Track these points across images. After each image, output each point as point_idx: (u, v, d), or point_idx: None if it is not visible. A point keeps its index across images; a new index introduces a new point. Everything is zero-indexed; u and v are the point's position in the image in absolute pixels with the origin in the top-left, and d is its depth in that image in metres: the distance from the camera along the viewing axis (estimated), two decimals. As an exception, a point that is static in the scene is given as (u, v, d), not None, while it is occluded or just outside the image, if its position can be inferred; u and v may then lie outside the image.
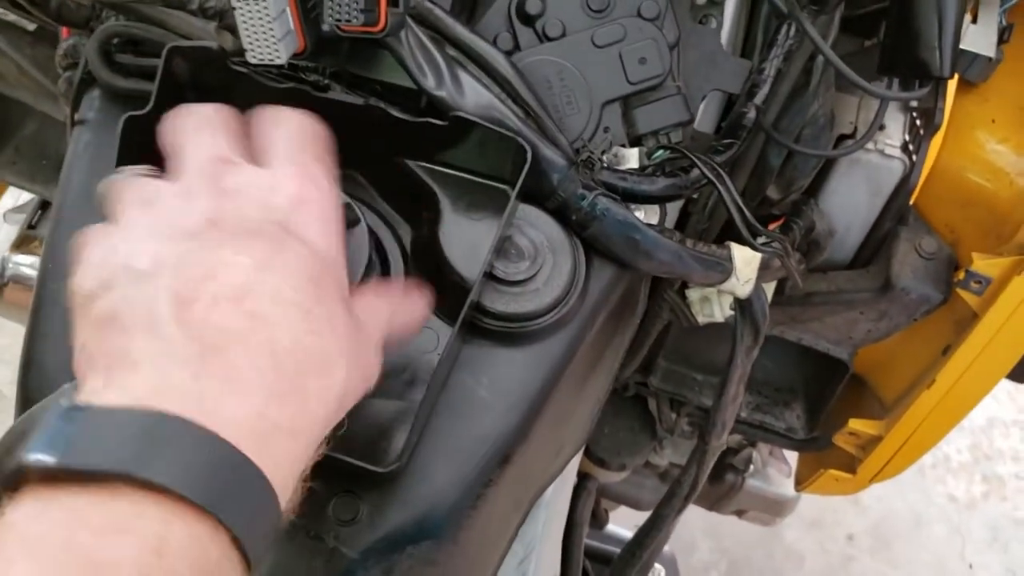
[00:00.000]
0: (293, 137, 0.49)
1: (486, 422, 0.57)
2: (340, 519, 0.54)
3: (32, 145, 1.00)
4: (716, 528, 2.15)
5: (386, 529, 0.54)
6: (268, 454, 0.39)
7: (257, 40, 0.51)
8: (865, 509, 2.23)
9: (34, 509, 0.35)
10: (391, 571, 0.54)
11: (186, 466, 0.36)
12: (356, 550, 0.54)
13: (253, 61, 0.52)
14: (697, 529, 2.14)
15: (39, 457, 0.35)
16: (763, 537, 2.16)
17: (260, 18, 0.50)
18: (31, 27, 0.86)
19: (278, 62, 0.52)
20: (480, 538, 0.59)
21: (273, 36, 0.51)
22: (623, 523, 1.64)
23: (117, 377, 0.39)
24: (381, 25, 0.51)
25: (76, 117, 0.65)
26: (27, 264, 1.17)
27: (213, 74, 0.58)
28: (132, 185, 0.47)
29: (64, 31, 0.69)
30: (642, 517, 0.89)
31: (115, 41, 0.63)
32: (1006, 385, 1.03)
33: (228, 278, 0.41)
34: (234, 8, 0.50)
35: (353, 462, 0.52)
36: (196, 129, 0.49)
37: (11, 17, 0.84)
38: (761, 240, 0.64)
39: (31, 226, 1.11)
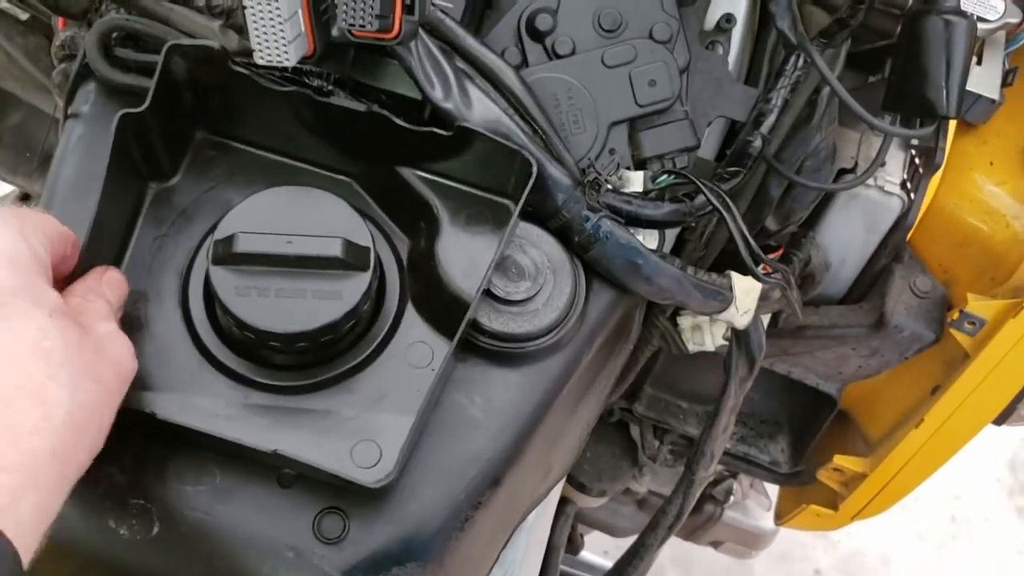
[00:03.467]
0: None
1: (478, 442, 0.56)
2: (325, 537, 0.52)
3: (16, 136, 0.98)
4: (686, 558, 2.13)
5: (372, 549, 0.52)
6: (11, 525, 0.37)
7: (266, 41, 0.50)
8: (834, 544, 2.23)
9: None
10: (375, 592, 0.53)
11: None
12: (340, 570, 0.52)
13: (261, 63, 0.51)
14: (666, 558, 2.13)
15: None
16: (732, 570, 2.15)
17: (271, 19, 0.49)
18: (23, 16, 0.84)
19: (286, 64, 0.51)
20: (465, 561, 0.58)
21: (283, 38, 0.49)
22: (593, 548, 1.62)
23: None
24: (395, 32, 0.50)
25: (70, 110, 0.63)
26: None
27: (212, 74, 0.56)
28: None
29: (60, 22, 0.67)
30: (613, 543, 0.88)
31: (115, 35, 0.61)
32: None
33: None
34: (244, 7, 0.49)
35: (343, 475, 0.50)
36: None
37: (3, 5, 0.82)
38: (763, 271, 0.63)
39: (10, 219, 1.08)
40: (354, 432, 0.54)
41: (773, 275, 0.63)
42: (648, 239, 0.66)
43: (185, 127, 0.60)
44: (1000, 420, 1.00)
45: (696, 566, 2.14)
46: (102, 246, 0.54)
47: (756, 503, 1.23)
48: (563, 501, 1.06)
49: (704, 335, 0.80)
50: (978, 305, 0.77)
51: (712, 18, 0.73)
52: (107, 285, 0.52)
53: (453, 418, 0.56)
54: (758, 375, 0.90)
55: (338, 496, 0.53)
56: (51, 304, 0.44)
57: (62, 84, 0.65)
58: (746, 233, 0.62)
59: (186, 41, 0.55)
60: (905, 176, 0.81)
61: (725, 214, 0.61)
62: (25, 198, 1.11)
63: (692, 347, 0.81)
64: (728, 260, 0.83)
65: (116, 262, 0.56)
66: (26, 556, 0.39)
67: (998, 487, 2.38)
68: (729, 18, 0.73)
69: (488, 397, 0.57)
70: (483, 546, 0.60)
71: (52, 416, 0.41)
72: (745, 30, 0.74)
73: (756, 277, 0.62)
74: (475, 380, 0.58)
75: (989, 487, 2.37)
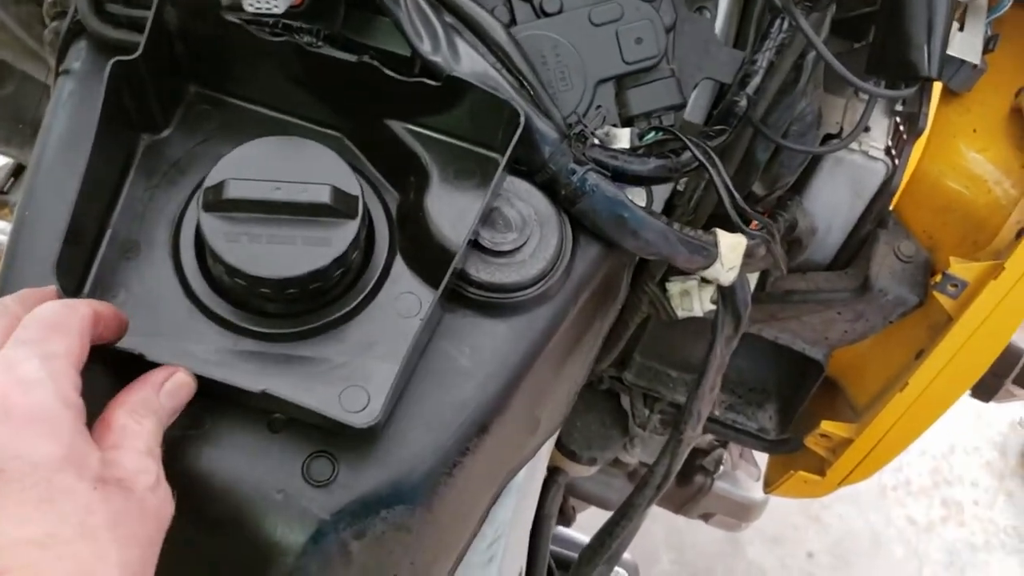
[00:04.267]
0: (18, 329, 0.47)
1: (466, 390, 0.57)
2: (314, 480, 0.53)
3: (9, 106, 0.98)
4: (679, 540, 2.15)
5: (361, 491, 0.53)
6: None
7: (256, -12, 0.50)
8: (826, 527, 2.24)
9: None
10: (363, 534, 0.53)
11: None
12: (329, 512, 0.53)
13: (250, 10, 0.52)
14: (659, 541, 2.14)
15: None
16: (725, 552, 2.17)
17: (261, -36, 0.49)
18: (17, -18, 0.85)
19: (276, 11, 0.51)
20: (454, 508, 0.58)
21: (273, -16, 0.50)
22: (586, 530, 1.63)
23: None
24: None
25: (61, 67, 0.64)
26: (-2, 230, 1.15)
27: (204, 25, 0.57)
28: None
29: (52, -21, 0.68)
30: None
31: (107, -10, 0.62)
32: (969, 411, 1.04)
33: None
34: (234, -47, 0.49)
35: (330, 415, 0.51)
36: None
37: (-4, -28, 0.83)
38: (749, 226, 0.64)
39: (2, 191, 1.09)
40: (343, 378, 0.54)
41: (759, 230, 0.64)
42: (636, 197, 0.67)
43: (178, 80, 0.60)
44: (987, 396, 1.01)
45: (690, 549, 2.15)
46: (95, 195, 0.55)
47: (746, 473, 1.24)
48: (554, 470, 1.07)
49: (693, 300, 0.81)
50: (960, 267, 0.79)
51: (700, -19, 0.74)
52: (167, 396, 0.50)
53: (441, 367, 0.57)
54: (745, 344, 0.92)
55: (327, 440, 0.54)
56: (93, 472, 0.44)
57: (53, 42, 0.65)
58: (731, 187, 0.62)
59: (177, -8, 0.56)
60: (890, 142, 0.82)
61: (710, 168, 0.62)
62: (19, 171, 1.12)
63: (681, 313, 0.82)
64: (717, 225, 0.84)
65: (108, 211, 0.57)
66: None
67: (988, 471, 2.40)
68: (716, -18, 0.73)
69: (476, 347, 0.58)
70: (471, 495, 0.61)
71: None
72: (733, -7, 0.74)
73: (741, 231, 0.63)
74: (463, 330, 0.58)
75: (979, 471, 2.39)
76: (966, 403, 0.96)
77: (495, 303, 0.59)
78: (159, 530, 0.47)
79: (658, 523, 2.07)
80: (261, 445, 0.54)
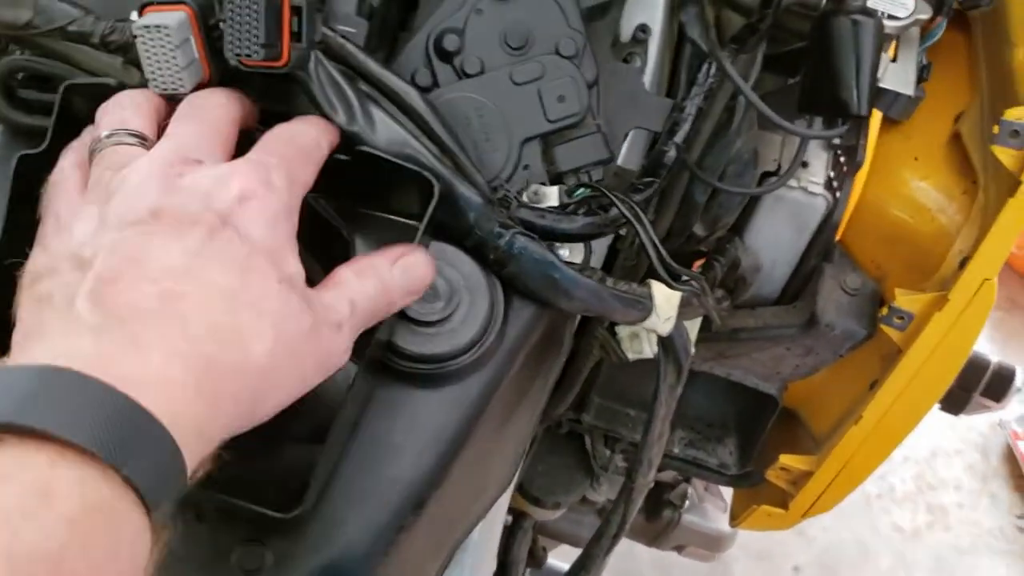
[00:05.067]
0: (271, 141, 0.51)
1: (399, 466, 0.56)
2: (244, 569, 0.52)
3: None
4: (664, 562, 2.14)
5: (293, 579, 0.52)
6: (166, 407, 0.39)
7: (160, 69, 0.50)
8: (811, 540, 2.24)
9: None
10: (298, 624, 0.52)
11: (72, 412, 0.37)
12: (261, 602, 0.52)
13: (156, 91, 0.51)
14: (645, 563, 2.13)
15: None
16: (711, 570, 2.16)
17: (162, 46, 0.49)
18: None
19: (182, 92, 0.51)
20: (395, 587, 0.57)
21: (176, 64, 0.49)
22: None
23: (27, 347, 0.42)
24: (284, 60, 0.50)
25: (-23, 153, 0.63)
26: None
27: None
28: (107, 156, 0.49)
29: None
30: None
31: (19, 76, 0.61)
32: (948, 416, 1.04)
33: (153, 262, 0.43)
34: (136, 37, 0.49)
35: (254, 508, 0.50)
36: (185, 118, 0.50)
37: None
38: (680, 278, 0.64)
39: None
40: (268, 461, 0.53)
41: (689, 283, 0.64)
42: (574, 253, 0.67)
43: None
44: (957, 410, 1.01)
45: (676, 568, 2.14)
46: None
47: (713, 506, 1.23)
48: (520, 515, 1.06)
49: (642, 343, 0.80)
50: (905, 300, 0.78)
51: (628, 29, 0.73)
52: (400, 269, 0.53)
53: (372, 442, 0.56)
54: (701, 379, 0.91)
55: (257, 528, 0.53)
56: (288, 276, 0.47)
57: (-30, 128, 0.64)
58: (657, 243, 0.62)
59: (82, 79, 0.55)
60: (831, 175, 0.82)
61: (637, 225, 0.61)
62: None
63: (631, 355, 0.82)
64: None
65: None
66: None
67: (971, 473, 2.40)
68: (644, 28, 0.73)
69: (408, 420, 0.57)
70: (413, 570, 0.60)
71: (243, 364, 0.43)
72: (662, 40, 0.74)
73: (669, 285, 0.63)
74: (395, 404, 0.57)
75: (962, 473, 2.40)
76: (946, 406, 0.96)
77: (426, 374, 0.58)
78: (316, 370, 0.48)
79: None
80: (189, 533, 0.53)
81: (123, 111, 0.51)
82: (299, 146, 0.52)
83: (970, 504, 2.35)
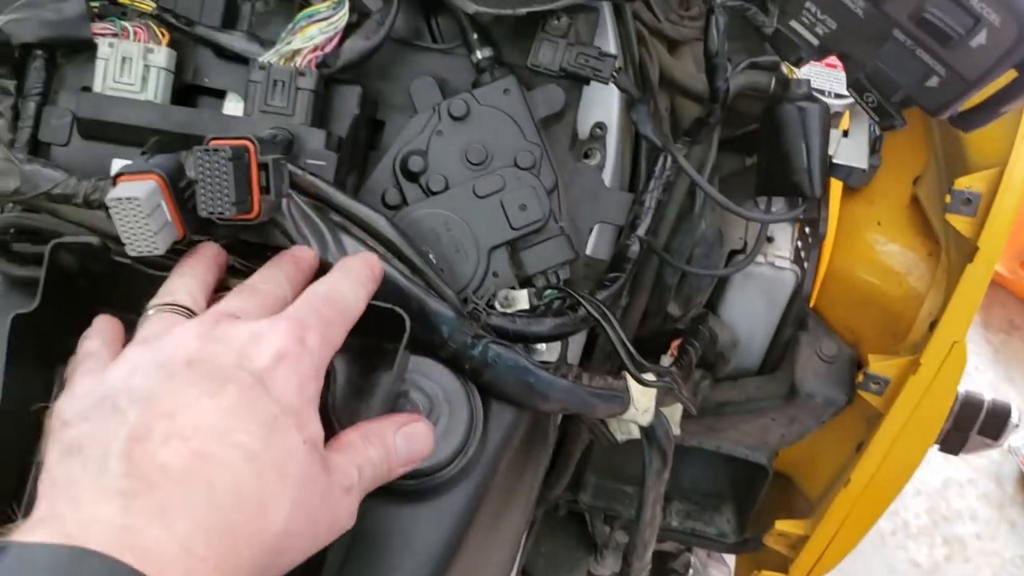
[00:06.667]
0: (313, 299, 0.52)
1: (395, 584, 0.57)
2: None
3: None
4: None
5: None
6: None
7: (134, 235, 0.52)
8: (830, 583, 2.22)
9: None
10: None
11: None
12: None
13: (132, 254, 0.54)
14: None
15: None
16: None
17: (135, 215, 0.51)
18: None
19: (156, 254, 0.53)
20: None
21: (149, 230, 0.52)
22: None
23: (58, 506, 0.42)
24: (255, 213, 0.53)
25: (-28, 303, 0.65)
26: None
27: (99, 265, 0.59)
28: (154, 320, 0.51)
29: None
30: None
31: (11, 231, 0.64)
32: None
33: (185, 418, 0.44)
34: (108, 207, 0.52)
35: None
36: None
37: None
38: (651, 374, 0.66)
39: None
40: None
41: (662, 379, 0.66)
42: (551, 349, 0.69)
43: (87, 308, 0.62)
44: (955, 450, 1.02)
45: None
46: (12, 437, 0.56)
47: (717, 571, 1.24)
48: (526, 597, 1.07)
49: (630, 424, 0.82)
50: (879, 366, 0.80)
51: (585, 127, 0.76)
52: (403, 437, 0.54)
53: (365, 564, 0.58)
54: (693, 452, 0.93)
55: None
56: (311, 437, 0.48)
57: (-36, 279, 0.67)
58: (626, 342, 0.64)
59: (67, 239, 0.58)
60: (798, 245, 0.84)
61: (604, 324, 0.64)
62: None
63: (620, 437, 0.83)
64: (649, 343, 0.86)
65: (31, 447, 0.58)
66: None
67: (986, 502, 2.39)
68: (601, 126, 0.76)
69: (400, 536, 0.59)
70: None
71: (263, 532, 0.44)
72: (620, 135, 0.77)
73: (640, 382, 0.65)
74: (384, 522, 0.59)
75: (977, 503, 2.38)
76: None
77: (413, 489, 0.60)
78: (327, 532, 0.49)
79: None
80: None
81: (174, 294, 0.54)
82: (339, 308, 0.53)
83: (988, 534, 2.33)
